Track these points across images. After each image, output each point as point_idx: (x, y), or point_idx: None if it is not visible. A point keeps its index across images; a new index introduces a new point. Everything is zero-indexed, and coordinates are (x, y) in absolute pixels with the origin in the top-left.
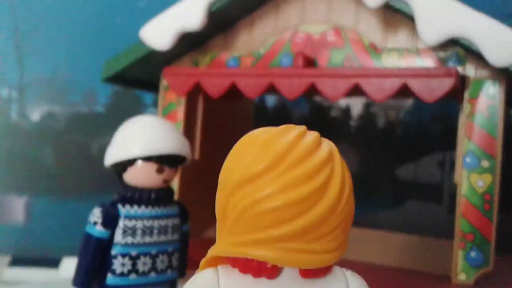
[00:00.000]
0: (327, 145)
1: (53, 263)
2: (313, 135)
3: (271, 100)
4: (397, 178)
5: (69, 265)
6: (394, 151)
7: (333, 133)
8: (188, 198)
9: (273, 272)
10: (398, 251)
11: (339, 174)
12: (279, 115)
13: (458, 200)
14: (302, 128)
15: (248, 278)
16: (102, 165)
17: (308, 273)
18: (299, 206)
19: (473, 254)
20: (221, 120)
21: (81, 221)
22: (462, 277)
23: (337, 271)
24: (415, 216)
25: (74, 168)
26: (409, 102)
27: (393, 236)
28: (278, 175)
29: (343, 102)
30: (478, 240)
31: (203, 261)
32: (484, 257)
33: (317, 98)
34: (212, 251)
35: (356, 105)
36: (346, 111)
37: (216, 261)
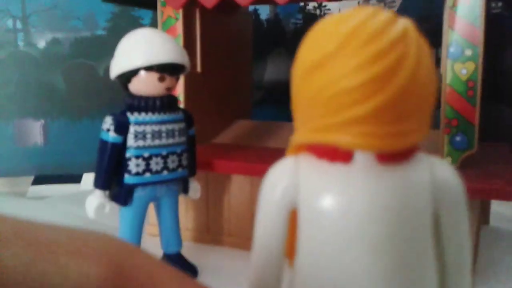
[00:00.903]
0: (402, 23)
1: (73, 179)
2: (387, 13)
3: (264, 12)
4: None
5: (89, 180)
6: None
7: None
8: (194, 108)
9: (347, 156)
10: None
11: (413, 53)
12: (273, 27)
13: (442, 89)
14: (376, 7)
15: (324, 163)
16: (110, 85)
17: (385, 158)
18: (371, 86)
19: (458, 138)
20: (220, 33)
21: (96, 138)
22: (448, 160)
23: (421, 157)
24: None
25: (84, 90)
26: (397, 3)
27: None
28: (348, 55)
29: (335, 9)
30: (462, 124)
31: (287, 151)
32: (468, 140)
33: (309, 7)
34: (291, 140)
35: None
36: None
37: (299, 150)
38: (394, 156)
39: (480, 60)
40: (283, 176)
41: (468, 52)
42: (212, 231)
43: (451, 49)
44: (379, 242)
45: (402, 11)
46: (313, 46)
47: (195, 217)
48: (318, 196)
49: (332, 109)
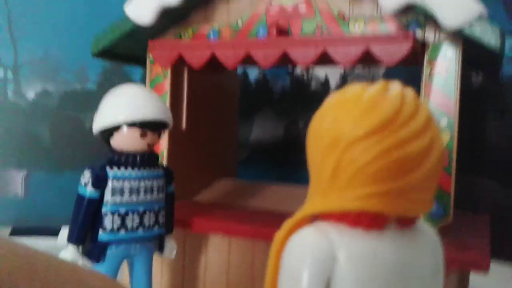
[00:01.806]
0: (425, 108)
1: (52, 232)
2: (411, 94)
3: (253, 73)
4: None
5: (65, 234)
6: None
7: (313, 103)
8: (176, 164)
9: (383, 223)
10: None
11: (439, 134)
12: (261, 88)
13: None
14: (400, 85)
15: (356, 231)
16: (95, 138)
17: (404, 223)
18: (418, 158)
19: (433, 207)
20: (207, 92)
21: (77, 191)
22: None
23: (419, 221)
24: None
25: (69, 142)
26: (381, 72)
27: None
28: (398, 128)
29: (322, 75)
30: (438, 193)
31: (291, 221)
32: (444, 209)
33: (297, 71)
34: (316, 207)
35: (334, 76)
36: (325, 82)
37: (303, 221)
38: (411, 220)
39: (455, 130)
40: (319, 249)
41: (444, 122)
42: None
43: None
44: None
45: (386, 78)
46: (354, 118)
47: (170, 277)
48: (357, 264)
49: (380, 178)
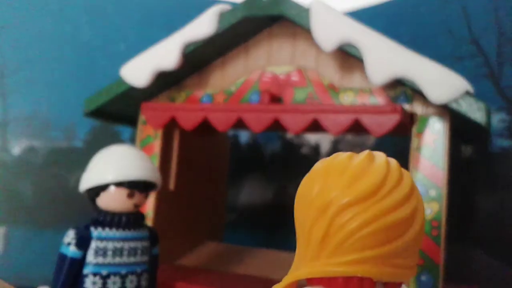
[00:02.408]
0: (407, 175)
1: None
2: (395, 164)
3: (244, 137)
4: None
5: None
6: None
7: (303, 168)
8: (162, 226)
9: None
10: None
11: (422, 202)
12: (252, 151)
13: None
14: (384, 155)
15: None
16: (79, 197)
17: (394, 286)
18: (404, 225)
19: (423, 277)
20: (198, 154)
21: (58, 251)
22: None
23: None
24: None
25: (52, 201)
26: (372, 139)
27: None
28: (384, 196)
29: (313, 139)
30: (428, 264)
31: (278, 286)
32: (434, 280)
33: (288, 136)
34: (305, 273)
35: (325, 142)
36: (316, 148)
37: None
38: (397, 285)
39: (444, 201)
40: None
41: (432, 193)
42: None
43: None
44: None
45: (377, 148)
46: (343, 185)
47: None
48: None
49: (369, 244)
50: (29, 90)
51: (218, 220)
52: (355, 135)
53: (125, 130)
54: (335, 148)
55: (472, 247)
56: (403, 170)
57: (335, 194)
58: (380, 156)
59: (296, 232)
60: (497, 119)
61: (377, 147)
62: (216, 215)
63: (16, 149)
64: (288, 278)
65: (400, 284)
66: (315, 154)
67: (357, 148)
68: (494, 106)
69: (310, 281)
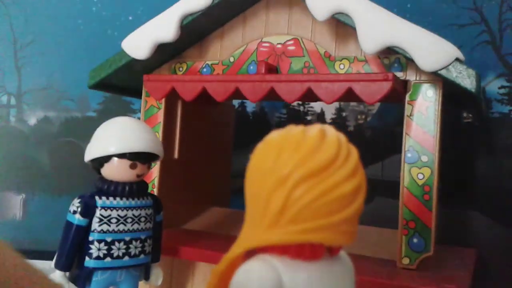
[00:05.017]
0: (355, 150)
1: (48, 255)
2: (344, 138)
3: (251, 105)
4: (367, 177)
5: None
6: (363, 152)
7: None
8: (167, 193)
9: (321, 253)
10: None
11: (363, 172)
12: (258, 120)
13: (401, 191)
14: (334, 130)
15: (297, 262)
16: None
17: (335, 252)
18: (352, 196)
19: (415, 240)
20: (202, 123)
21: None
22: (405, 261)
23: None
24: (381, 211)
25: (68, 168)
26: (375, 107)
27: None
28: (336, 170)
29: (318, 107)
30: (419, 227)
31: (230, 254)
32: (425, 243)
33: (294, 104)
34: (261, 241)
35: (330, 109)
36: (321, 115)
37: (241, 256)
38: (338, 250)
39: (436, 166)
40: (268, 280)
41: (424, 158)
42: None
43: (408, 154)
44: None
45: (382, 115)
46: (300, 157)
47: None
48: None
49: (325, 212)
50: (42, 62)
51: (224, 187)
52: (357, 102)
53: (137, 101)
54: (339, 115)
55: (472, 210)
56: (350, 145)
57: (291, 169)
58: (331, 132)
59: (247, 202)
60: (497, 86)
61: (382, 114)
62: (222, 182)
63: (32, 119)
64: (243, 246)
65: (339, 248)
66: (320, 122)
67: (361, 115)
68: (495, 73)
69: (263, 249)
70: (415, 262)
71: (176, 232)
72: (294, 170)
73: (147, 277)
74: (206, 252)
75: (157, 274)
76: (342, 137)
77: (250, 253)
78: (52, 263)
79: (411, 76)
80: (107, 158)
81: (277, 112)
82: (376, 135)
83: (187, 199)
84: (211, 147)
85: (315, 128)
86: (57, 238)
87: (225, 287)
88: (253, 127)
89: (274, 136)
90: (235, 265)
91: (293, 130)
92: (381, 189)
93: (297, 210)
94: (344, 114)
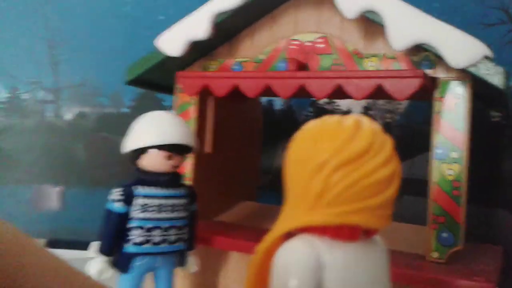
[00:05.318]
0: (390, 139)
1: (84, 245)
2: (379, 127)
3: (279, 103)
4: None
5: (93, 247)
6: None
7: None
8: (200, 185)
9: (358, 234)
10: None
11: (399, 160)
12: (286, 117)
13: (430, 187)
14: (369, 121)
15: (336, 242)
16: (125, 159)
17: (369, 235)
18: (387, 182)
19: (444, 234)
20: (232, 119)
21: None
22: (435, 255)
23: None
24: (409, 208)
25: (103, 162)
26: (403, 105)
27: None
28: (371, 158)
29: (344, 105)
30: (449, 222)
31: (273, 234)
32: (454, 237)
33: (320, 102)
34: (302, 222)
35: (356, 108)
36: (347, 113)
37: (283, 236)
38: (374, 233)
39: (465, 162)
40: (310, 258)
41: (454, 155)
42: None
43: (438, 151)
44: None
45: (409, 113)
46: (339, 144)
47: None
48: (342, 271)
49: (363, 196)
50: (77, 60)
51: (252, 182)
52: (385, 100)
53: (168, 97)
54: (367, 113)
55: (498, 208)
56: (384, 135)
57: (328, 156)
58: (366, 122)
59: (288, 187)
60: None
61: (410, 113)
62: (250, 177)
63: (68, 115)
64: (286, 226)
65: (376, 231)
66: None
67: (388, 113)
68: None
69: (303, 230)
70: (445, 256)
71: (208, 223)
72: (331, 158)
73: (183, 264)
74: (238, 242)
75: (193, 262)
76: (376, 127)
77: (288, 235)
78: (88, 252)
79: (440, 73)
80: (144, 150)
81: (304, 110)
82: (404, 134)
83: (218, 191)
84: (241, 142)
85: (351, 118)
86: (93, 228)
87: (268, 264)
88: (280, 125)
89: (312, 125)
90: (276, 245)
91: (329, 119)
92: (409, 187)
93: (335, 194)
94: (371, 112)
